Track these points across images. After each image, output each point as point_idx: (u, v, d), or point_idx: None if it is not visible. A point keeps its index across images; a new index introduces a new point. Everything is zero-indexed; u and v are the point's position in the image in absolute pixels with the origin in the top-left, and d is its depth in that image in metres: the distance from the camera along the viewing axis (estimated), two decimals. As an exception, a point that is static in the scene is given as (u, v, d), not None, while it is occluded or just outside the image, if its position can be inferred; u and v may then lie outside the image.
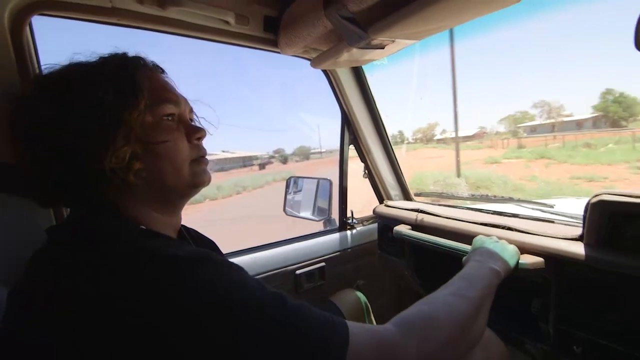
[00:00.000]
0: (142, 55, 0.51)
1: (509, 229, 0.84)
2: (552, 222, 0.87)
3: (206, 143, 0.54)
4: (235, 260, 0.93)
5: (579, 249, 0.69)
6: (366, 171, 1.34)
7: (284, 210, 1.40)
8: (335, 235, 1.26)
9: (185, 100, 0.53)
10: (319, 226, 1.34)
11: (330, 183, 1.26)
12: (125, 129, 0.43)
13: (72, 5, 0.66)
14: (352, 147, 1.30)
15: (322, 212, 1.29)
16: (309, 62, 0.98)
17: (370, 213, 1.35)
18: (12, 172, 0.54)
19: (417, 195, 1.39)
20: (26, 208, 0.60)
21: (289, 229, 1.45)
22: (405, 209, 1.17)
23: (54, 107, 0.42)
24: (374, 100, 1.24)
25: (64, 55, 0.48)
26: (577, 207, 0.82)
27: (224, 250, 0.71)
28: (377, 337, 0.41)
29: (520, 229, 0.82)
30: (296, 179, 1.44)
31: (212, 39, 0.86)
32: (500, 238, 0.78)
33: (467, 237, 0.86)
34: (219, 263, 0.39)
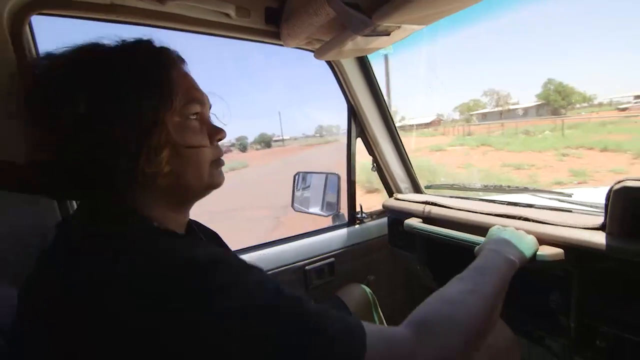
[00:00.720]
0: (169, 47, 0.48)
1: (525, 219, 0.81)
2: (570, 211, 0.84)
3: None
4: (244, 257, 0.92)
5: (601, 238, 0.65)
6: (374, 164, 1.31)
7: (292, 206, 1.38)
8: (345, 231, 1.24)
9: (207, 97, 0.51)
10: (319, 221, 1.31)
11: (339, 177, 1.24)
12: (161, 130, 0.42)
13: (71, 3, 0.65)
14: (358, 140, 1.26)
15: (330, 207, 1.27)
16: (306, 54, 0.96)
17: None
18: (13, 170, 0.53)
19: (427, 187, 1.36)
20: (30, 206, 0.60)
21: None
22: (416, 202, 1.14)
23: (86, 90, 0.39)
24: (380, 91, 1.20)
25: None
26: (596, 195, 0.78)
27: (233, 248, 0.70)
28: (391, 344, 0.39)
29: (537, 219, 0.78)
30: (304, 174, 1.41)
31: (213, 33, 0.85)
32: (516, 229, 0.75)
33: (481, 229, 0.83)
34: (235, 266, 0.38)
